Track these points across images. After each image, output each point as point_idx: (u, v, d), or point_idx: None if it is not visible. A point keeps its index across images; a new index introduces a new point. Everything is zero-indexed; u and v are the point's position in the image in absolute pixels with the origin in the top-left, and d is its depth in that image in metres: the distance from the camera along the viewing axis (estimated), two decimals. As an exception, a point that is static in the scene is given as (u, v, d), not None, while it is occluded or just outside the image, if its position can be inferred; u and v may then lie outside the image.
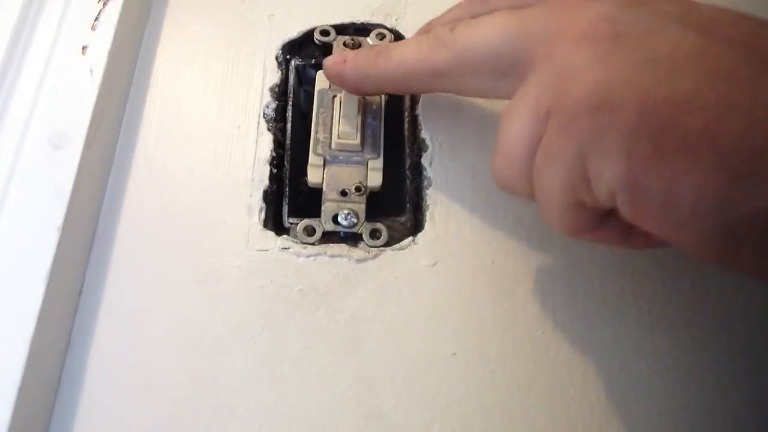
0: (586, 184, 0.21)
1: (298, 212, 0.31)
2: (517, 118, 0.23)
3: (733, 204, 0.18)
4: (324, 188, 0.31)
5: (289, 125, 0.33)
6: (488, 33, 0.25)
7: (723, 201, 0.19)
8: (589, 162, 0.21)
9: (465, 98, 0.32)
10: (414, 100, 0.34)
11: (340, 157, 0.31)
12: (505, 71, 0.24)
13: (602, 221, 0.23)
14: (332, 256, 0.29)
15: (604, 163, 0.20)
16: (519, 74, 0.23)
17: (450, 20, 0.29)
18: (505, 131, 0.24)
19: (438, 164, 0.31)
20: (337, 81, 0.31)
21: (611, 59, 0.21)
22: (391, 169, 0.31)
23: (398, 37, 0.35)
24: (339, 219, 0.30)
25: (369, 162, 0.31)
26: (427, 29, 0.30)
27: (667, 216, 0.20)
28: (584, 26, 0.22)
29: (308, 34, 0.35)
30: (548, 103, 0.22)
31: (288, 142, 0.33)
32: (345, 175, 0.31)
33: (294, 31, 0.35)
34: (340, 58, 0.30)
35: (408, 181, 0.32)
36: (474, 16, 0.27)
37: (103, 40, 0.31)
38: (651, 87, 0.20)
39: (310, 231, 0.30)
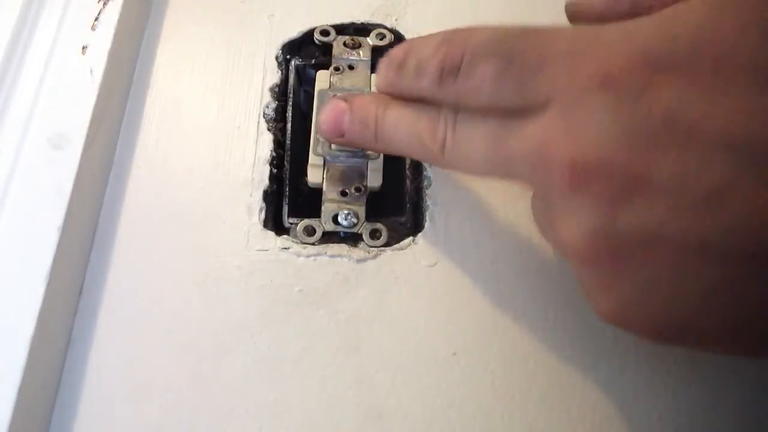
0: None
1: (298, 212, 0.31)
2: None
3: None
4: (324, 188, 0.31)
5: (289, 125, 0.33)
6: (475, 162, 0.24)
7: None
8: None
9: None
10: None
11: (340, 157, 0.31)
12: (503, 178, 0.25)
13: None
14: (332, 256, 0.29)
15: None
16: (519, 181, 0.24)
17: (419, 91, 0.25)
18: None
19: (438, 164, 0.31)
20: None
21: (614, 284, 0.21)
22: (391, 169, 0.31)
23: (398, 37, 0.35)
24: (339, 219, 0.30)
25: (369, 162, 0.31)
26: (393, 89, 0.27)
27: None
28: (579, 240, 0.21)
29: (308, 34, 0.35)
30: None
31: (288, 142, 0.33)
32: (345, 175, 0.31)
33: (294, 31, 0.35)
34: (334, 130, 0.28)
35: (408, 181, 0.32)
36: (448, 102, 0.24)
37: (103, 40, 0.31)
38: (654, 314, 0.21)
39: (310, 231, 0.30)
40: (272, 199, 0.31)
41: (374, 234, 0.30)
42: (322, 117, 0.29)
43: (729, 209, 0.18)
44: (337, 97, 0.29)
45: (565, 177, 0.20)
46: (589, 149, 0.20)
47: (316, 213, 0.30)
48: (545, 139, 0.21)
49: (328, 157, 0.31)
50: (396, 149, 0.27)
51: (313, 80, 0.33)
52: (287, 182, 0.32)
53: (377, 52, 0.34)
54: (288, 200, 0.31)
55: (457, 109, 0.24)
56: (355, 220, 0.30)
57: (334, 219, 0.30)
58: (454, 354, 0.27)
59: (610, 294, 0.21)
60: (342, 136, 0.28)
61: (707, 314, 0.20)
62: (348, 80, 0.33)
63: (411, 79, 0.25)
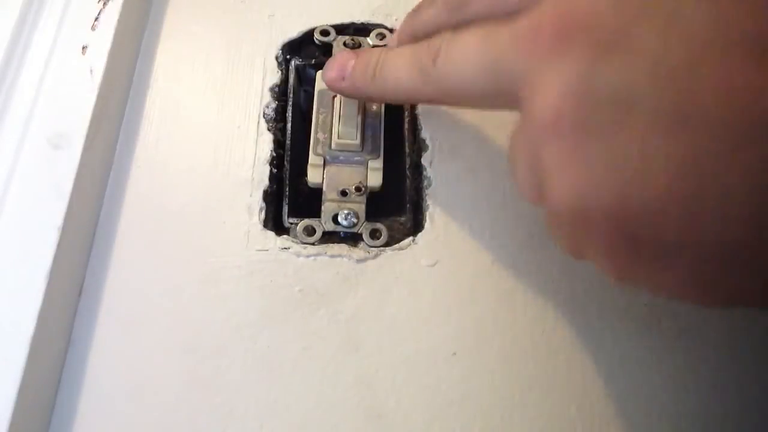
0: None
1: (298, 212, 0.31)
2: (517, 170, 0.23)
3: (722, 287, 0.20)
4: (324, 188, 0.31)
5: (289, 125, 0.33)
6: (465, 70, 0.24)
7: (709, 288, 0.20)
8: (582, 252, 0.22)
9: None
10: (414, 100, 0.34)
11: (340, 157, 0.31)
12: (493, 99, 0.24)
13: None
14: (332, 256, 0.29)
15: (594, 259, 0.22)
16: (508, 99, 0.23)
17: (429, 22, 0.28)
18: (512, 171, 0.24)
19: (438, 164, 0.31)
20: (333, 91, 0.31)
21: (579, 156, 0.20)
22: (391, 169, 0.31)
23: (398, 37, 0.35)
24: (339, 219, 0.30)
25: (369, 162, 0.31)
26: (409, 30, 0.29)
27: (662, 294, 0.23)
28: (553, 105, 0.20)
29: (308, 34, 0.35)
30: (537, 179, 0.22)
31: (288, 142, 0.33)
32: (345, 175, 0.31)
33: (294, 31, 0.35)
34: (338, 74, 0.29)
35: (408, 181, 0.32)
36: (453, 22, 0.26)
37: (103, 40, 0.31)
38: (622, 191, 0.19)
39: (310, 231, 0.30)
40: (272, 199, 0.31)
41: (374, 234, 0.30)
42: (328, 64, 0.30)
43: (705, 80, 0.18)
44: (347, 51, 0.31)
45: (552, 34, 0.20)
46: (579, 3, 0.20)
47: (316, 213, 0.30)
48: (536, 20, 0.21)
49: (328, 157, 0.31)
50: (390, 86, 0.28)
51: (313, 80, 0.33)
52: (287, 182, 0.32)
53: (377, 52, 0.34)
54: (288, 200, 0.31)
55: (458, 27, 0.25)
56: (355, 220, 0.30)
57: (334, 219, 0.30)
58: (454, 354, 0.27)
59: (574, 169, 0.20)
60: (344, 80, 0.29)
61: (673, 198, 0.19)
62: (348, 80, 0.33)
63: (426, 9, 0.28)
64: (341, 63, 0.29)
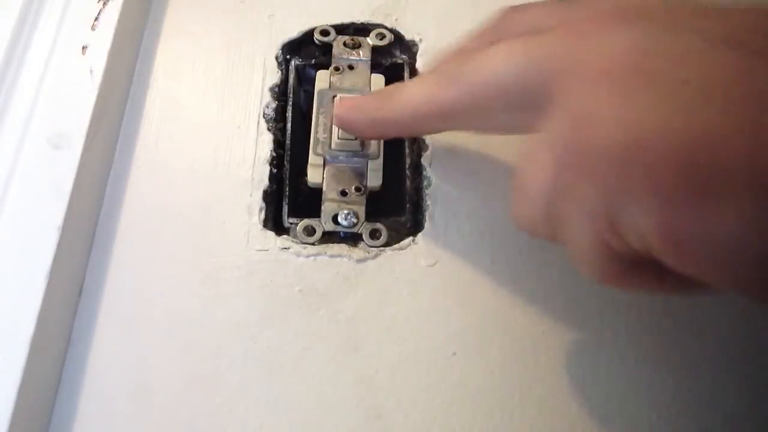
0: (617, 234, 0.19)
1: (298, 212, 0.31)
2: (535, 163, 0.21)
3: None
4: (324, 188, 0.31)
5: (289, 125, 0.33)
6: (495, 66, 0.22)
7: None
8: (618, 214, 0.19)
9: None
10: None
11: (340, 157, 0.31)
12: (518, 106, 0.22)
13: (636, 265, 0.21)
14: (332, 256, 0.29)
15: (636, 215, 0.18)
16: (534, 107, 0.21)
17: (460, 51, 0.26)
18: (523, 174, 0.22)
19: (438, 164, 0.31)
20: (345, 127, 0.30)
21: (634, 96, 0.19)
22: (391, 169, 0.31)
23: (398, 36, 0.35)
24: (339, 219, 0.30)
25: (369, 162, 0.31)
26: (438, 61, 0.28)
27: (716, 263, 0.18)
28: (605, 59, 0.19)
29: (308, 34, 0.35)
30: (567, 148, 0.20)
31: (288, 142, 0.33)
32: (345, 175, 0.31)
33: (294, 31, 0.35)
34: (347, 103, 0.29)
35: (408, 181, 0.32)
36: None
37: (103, 40, 0.31)
38: (681, 125, 0.18)
39: (310, 231, 0.30)
40: (272, 199, 0.31)
41: (374, 234, 0.30)
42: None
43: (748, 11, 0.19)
44: None
45: (606, 15, 0.21)
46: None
47: (316, 213, 0.30)
48: (587, 11, 0.22)
49: (328, 157, 0.31)
50: (403, 101, 0.26)
51: (313, 80, 0.33)
52: (287, 182, 0.32)
53: (377, 52, 0.34)
54: (288, 200, 0.31)
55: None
56: (355, 220, 0.30)
57: (334, 219, 0.30)
58: (454, 354, 0.27)
59: (628, 106, 0.19)
60: (354, 108, 0.28)
61: (740, 131, 0.17)
62: (348, 80, 0.33)
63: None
64: (353, 98, 0.30)
